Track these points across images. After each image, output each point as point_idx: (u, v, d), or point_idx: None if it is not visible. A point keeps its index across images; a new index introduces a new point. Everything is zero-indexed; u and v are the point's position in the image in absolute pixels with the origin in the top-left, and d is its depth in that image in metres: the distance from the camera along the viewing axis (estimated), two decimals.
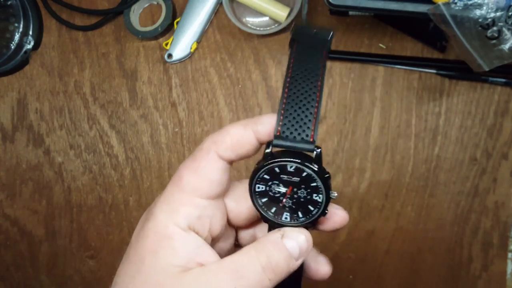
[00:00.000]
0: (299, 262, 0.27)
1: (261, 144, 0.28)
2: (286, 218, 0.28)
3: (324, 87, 0.61)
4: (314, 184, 0.27)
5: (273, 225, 0.29)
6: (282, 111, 0.26)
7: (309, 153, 0.27)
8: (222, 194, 0.29)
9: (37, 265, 0.70)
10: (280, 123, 0.26)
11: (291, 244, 0.27)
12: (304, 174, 0.27)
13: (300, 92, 0.27)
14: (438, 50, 0.57)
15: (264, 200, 0.28)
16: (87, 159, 0.66)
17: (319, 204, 0.27)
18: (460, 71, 0.56)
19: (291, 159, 0.26)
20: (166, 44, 0.62)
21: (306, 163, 0.26)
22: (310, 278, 0.31)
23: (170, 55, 0.62)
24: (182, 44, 0.61)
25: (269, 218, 0.28)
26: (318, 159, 0.27)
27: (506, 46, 0.43)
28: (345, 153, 0.60)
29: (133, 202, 0.66)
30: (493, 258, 0.59)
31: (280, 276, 0.26)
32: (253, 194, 0.28)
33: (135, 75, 0.64)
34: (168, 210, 0.27)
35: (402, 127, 0.58)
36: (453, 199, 0.58)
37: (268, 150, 0.27)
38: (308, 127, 0.26)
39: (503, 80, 0.55)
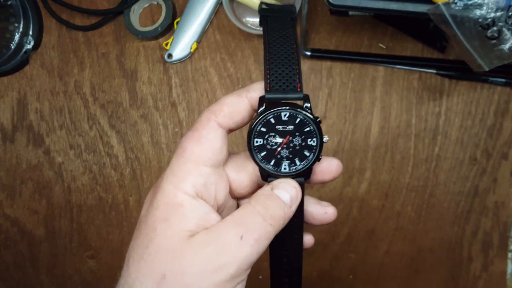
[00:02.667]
0: (293, 208, 0.30)
1: (254, 110, 0.30)
2: (285, 168, 0.30)
3: (324, 86, 0.61)
4: (308, 128, 0.29)
5: (273, 177, 0.31)
6: (268, 70, 0.29)
7: (299, 102, 0.29)
8: (223, 162, 0.31)
9: (37, 265, 0.70)
10: (268, 80, 0.29)
11: (282, 193, 0.29)
12: (298, 120, 0.29)
13: (281, 54, 0.29)
14: (438, 50, 0.57)
15: (263, 153, 0.30)
16: (87, 159, 0.66)
17: (314, 148, 0.30)
18: (460, 71, 0.56)
19: (285, 107, 0.29)
20: (166, 44, 0.62)
21: (299, 109, 0.29)
22: (321, 222, 0.33)
23: (170, 55, 0.62)
24: (182, 44, 0.61)
25: (269, 170, 0.30)
26: (307, 106, 0.29)
27: (506, 46, 0.43)
28: (345, 153, 0.60)
29: (133, 202, 0.66)
30: (493, 258, 0.59)
31: (279, 222, 0.29)
32: (252, 149, 0.30)
33: (135, 75, 0.64)
34: (175, 180, 0.29)
35: (402, 127, 0.58)
36: (453, 199, 0.58)
37: (262, 108, 0.29)
38: (294, 80, 0.29)
39: (503, 80, 0.55)
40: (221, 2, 0.60)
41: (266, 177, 0.31)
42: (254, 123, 0.29)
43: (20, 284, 0.71)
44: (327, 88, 0.60)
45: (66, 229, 0.68)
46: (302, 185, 0.31)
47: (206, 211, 0.29)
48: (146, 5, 0.64)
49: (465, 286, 0.60)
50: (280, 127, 0.29)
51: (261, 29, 0.59)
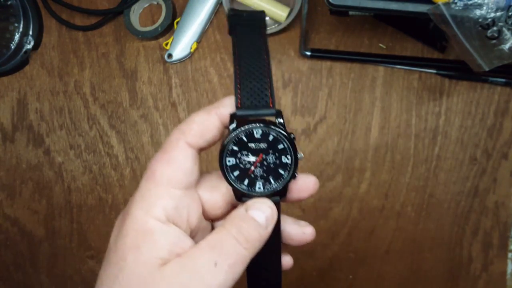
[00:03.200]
0: (269, 229, 0.28)
1: (225, 127, 0.29)
2: (259, 188, 0.29)
3: (324, 86, 0.61)
4: (282, 146, 0.28)
5: (247, 198, 0.30)
6: (239, 85, 0.28)
7: (271, 118, 0.28)
8: (194, 184, 0.30)
9: (37, 265, 0.70)
10: (239, 95, 0.28)
11: (257, 214, 0.28)
12: (271, 137, 0.28)
13: (251, 67, 0.28)
14: (438, 50, 0.57)
15: (235, 173, 0.29)
16: (87, 159, 0.66)
17: (289, 166, 0.29)
18: (460, 71, 0.56)
19: (257, 124, 0.27)
20: (166, 44, 0.62)
21: (272, 126, 0.28)
22: (299, 242, 0.32)
23: (170, 55, 0.62)
24: (182, 44, 0.61)
25: (243, 191, 0.29)
26: (281, 123, 0.28)
27: (506, 46, 0.43)
28: (345, 153, 0.60)
29: None
30: (493, 258, 0.59)
31: (255, 245, 0.27)
32: (225, 169, 0.29)
33: (135, 75, 0.64)
34: (145, 205, 0.27)
35: (402, 127, 0.58)
36: (453, 199, 0.58)
37: (233, 125, 0.28)
38: (266, 95, 0.28)
39: (503, 80, 0.55)
40: (221, 2, 0.60)
41: (240, 197, 0.29)
42: (226, 142, 0.28)
43: (20, 284, 0.71)
44: (327, 88, 0.60)
45: (66, 229, 0.68)
46: (278, 204, 0.29)
47: (178, 236, 0.27)
48: (146, 5, 0.64)
49: (465, 286, 0.60)
50: (252, 145, 0.28)
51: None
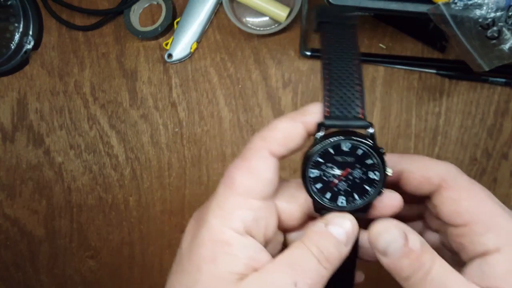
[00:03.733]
0: (349, 246, 0.27)
1: (309, 135, 0.27)
2: (342, 202, 0.27)
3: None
4: (370, 161, 0.26)
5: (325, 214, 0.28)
6: (328, 92, 0.26)
7: (361, 130, 0.26)
8: (273, 194, 0.28)
9: (37, 265, 0.70)
10: (327, 103, 0.26)
11: (337, 230, 0.26)
12: (360, 152, 0.26)
13: (341, 72, 0.26)
14: (438, 50, 0.57)
15: (318, 186, 0.27)
16: (87, 159, 0.66)
17: (376, 182, 0.27)
18: (460, 71, 0.56)
19: (347, 137, 0.26)
20: (166, 44, 0.62)
21: (362, 139, 0.26)
22: (376, 259, 0.29)
23: (170, 55, 0.62)
24: (182, 44, 0.61)
25: (325, 204, 0.27)
26: (372, 135, 0.26)
27: (506, 46, 0.43)
28: None
29: (133, 202, 0.66)
30: None
31: (335, 263, 0.26)
32: (307, 180, 0.27)
33: (135, 75, 0.64)
34: (223, 214, 0.26)
35: (402, 127, 0.58)
36: None
37: (320, 133, 0.26)
38: (357, 105, 0.26)
39: (503, 80, 0.55)
40: (221, 2, 0.60)
41: (320, 209, 0.28)
42: (311, 153, 0.26)
43: (20, 284, 0.71)
44: None
45: (66, 229, 0.68)
46: (359, 220, 0.28)
47: (255, 249, 0.26)
48: (146, 5, 0.64)
49: None
50: (339, 158, 0.26)
51: (261, 29, 0.60)
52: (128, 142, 0.65)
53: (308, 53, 0.58)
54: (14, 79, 0.67)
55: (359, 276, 0.31)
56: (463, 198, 0.27)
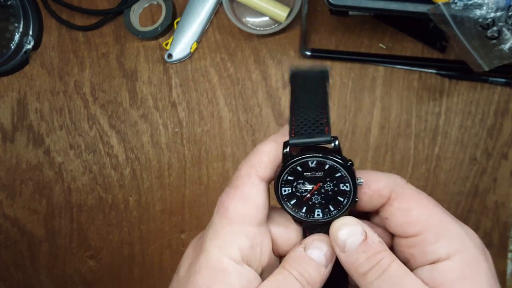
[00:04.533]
0: (329, 268, 0.28)
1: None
2: (318, 214, 0.28)
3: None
4: (339, 174, 0.27)
5: (308, 226, 0.29)
6: (293, 116, 0.27)
7: (327, 145, 0.27)
8: (265, 219, 0.29)
9: (37, 265, 0.70)
10: (294, 125, 0.27)
11: (315, 253, 0.27)
12: (327, 166, 0.27)
13: (308, 101, 0.28)
14: (438, 50, 0.57)
15: (292, 202, 0.28)
16: (87, 159, 0.66)
17: (348, 193, 0.27)
18: (460, 71, 0.56)
19: (311, 154, 0.26)
20: (166, 44, 0.62)
21: (327, 155, 0.27)
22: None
23: (170, 55, 0.62)
24: (182, 44, 0.61)
25: (302, 218, 0.28)
26: (337, 149, 0.27)
27: (506, 46, 0.43)
28: (345, 153, 0.59)
29: (133, 202, 0.66)
30: (493, 258, 0.59)
31: (316, 286, 0.27)
32: (281, 198, 0.28)
33: (135, 75, 0.64)
34: (220, 243, 0.27)
35: (402, 127, 0.58)
36: (453, 199, 0.58)
37: (286, 150, 0.27)
38: (321, 123, 0.27)
39: (503, 80, 0.55)
40: (221, 2, 0.60)
41: (300, 223, 0.29)
42: (280, 172, 0.27)
43: (20, 284, 0.71)
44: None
45: (66, 229, 0.68)
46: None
47: (250, 279, 0.27)
48: (146, 5, 0.64)
49: None
50: (308, 174, 0.27)
51: (261, 29, 0.60)
52: (128, 142, 0.65)
53: (308, 53, 0.58)
54: (14, 79, 0.67)
55: None
56: (413, 208, 0.27)
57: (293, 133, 0.27)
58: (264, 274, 0.29)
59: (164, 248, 0.66)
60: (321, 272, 0.27)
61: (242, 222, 0.27)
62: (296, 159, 0.27)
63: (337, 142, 0.27)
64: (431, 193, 0.58)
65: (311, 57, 0.59)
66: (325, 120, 0.27)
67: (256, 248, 0.28)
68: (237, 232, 0.27)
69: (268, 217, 0.29)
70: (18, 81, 0.67)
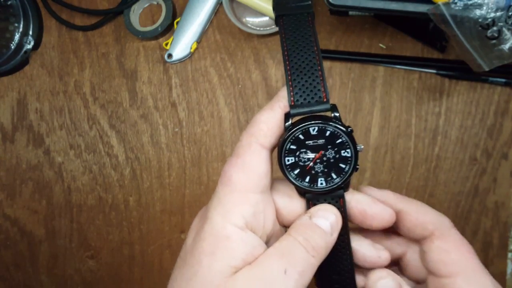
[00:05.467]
0: (335, 236, 0.28)
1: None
2: (321, 183, 0.29)
3: None
4: (340, 140, 0.28)
5: (311, 198, 0.30)
6: (290, 82, 0.27)
7: (326, 113, 0.28)
8: (269, 186, 0.29)
9: (37, 265, 0.70)
10: (292, 93, 0.27)
11: (321, 221, 0.28)
12: (328, 133, 0.28)
13: (301, 61, 0.28)
14: (438, 50, 0.57)
15: (296, 171, 0.29)
16: (87, 159, 0.66)
17: (349, 159, 0.28)
18: (460, 71, 0.56)
19: (313, 121, 0.27)
20: (166, 44, 0.62)
21: (328, 122, 0.27)
22: (373, 265, 0.31)
23: (170, 55, 0.62)
24: (182, 44, 0.61)
25: (305, 188, 0.29)
26: (336, 116, 0.28)
27: (506, 46, 0.43)
28: None
29: (133, 202, 0.66)
30: (493, 258, 0.59)
31: (322, 252, 0.28)
32: (284, 168, 0.28)
33: (135, 75, 0.64)
34: (224, 211, 0.27)
35: (402, 127, 0.58)
36: (453, 199, 0.58)
37: (288, 123, 0.28)
38: (319, 89, 0.27)
39: (503, 80, 0.55)
40: (221, 2, 0.60)
41: (304, 193, 0.29)
42: (282, 142, 0.28)
43: (20, 284, 0.71)
44: None
45: (66, 229, 0.68)
46: (342, 197, 0.29)
47: (254, 245, 0.27)
48: (146, 5, 0.64)
49: None
50: (310, 142, 0.28)
51: (261, 29, 0.60)
52: (128, 142, 0.65)
53: None
54: (14, 79, 0.67)
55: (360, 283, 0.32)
56: (453, 251, 0.29)
57: (292, 101, 0.27)
58: (270, 242, 0.29)
59: (164, 248, 0.66)
60: (327, 239, 0.28)
61: (244, 190, 0.28)
62: (298, 126, 0.27)
63: (336, 112, 0.28)
64: (431, 193, 0.59)
65: None
66: (322, 85, 0.27)
67: (259, 215, 0.28)
68: (240, 199, 0.28)
69: (272, 188, 0.30)
70: (18, 81, 0.67)
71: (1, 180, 0.69)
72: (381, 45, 0.58)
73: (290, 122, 0.28)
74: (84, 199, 0.67)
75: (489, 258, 0.59)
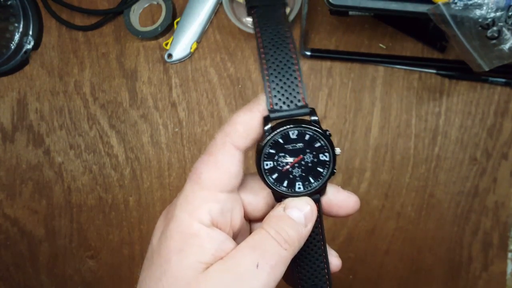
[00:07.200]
0: (309, 227, 0.28)
1: None
2: (299, 188, 0.29)
3: (324, 86, 0.61)
4: (318, 144, 0.28)
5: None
6: (268, 83, 0.27)
7: (305, 117, 0.28)
8: (238, 186, 0.29)
9: (37, 265, 0.70)
10: (270, 96, 0.27)
11: (294, 212, 0.28)
12: (307, 137, 0.27)
13: (279, 60, 0.27)
14: (438, 50, 0.57)
15: (274, 176, 0.28)
16: (87, 159, 0.66)
17: (327, 163, 0.28)
18: (460, 71, 0.56)
19: (292, 125, 0.27)
20: (166, 44, 0.62)
21: (307, 125, 0.27)
22: (346, 210, 0.31)
23: (170, 55, 0.62)
24: (182, 44, 0.61)
25: (283, 192, 0.29)
26: (315, 120, 0.28)
27: (506, 46, 0.43)
28: (345, 153, 0.60)
29: (133, 202, 0.66)
30: (493, 258, 0.59)
31: (295, 244, 0.27)
32: (263, 172, 0.28)
33: (135, 75, 0.64)
34: (190, 208, 0.27)
35: (402, 127, 0.58)
36: (453, 199, 0.58)
37: (267, 126, 0.27)
38: (298, 92, 0.27)
39: (503, 80, 0.55)
40: (221, 2, 0.60)
41: (280, 198, 0.29)
42: (262, 146, 0.27)
43: (20, 284, 0.71)
44: (327, 88, 0.60)
45: (66, 229, 0.68)
46: (318, 202, 0.29)
47: (222, 240, 0.27)
48: (146, 5, 0.64)
49: (465, 286, 0.60)
50: (289, 146, 0.28)
51: None
52: (128, 142, 0.65)
53: (308, 53, 0.58)
54: (14, 79, 0.67)
55: (335, 262, 0.32)
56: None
57: (271, 105, 0.27)
58: (238, 239, 0.29)
59: None
60: (300, 231, 0.28)
61: (213, 188, 0.28)
62: (278, 130, 0.27)
63: (315, 116, 0.27)
64: (431, 193, 0.59)
65: (311, 57, 0.59)
66: (300, 88, 0.27)
67: (226, 213, 0.28)
68: (208, 197, 0.27)
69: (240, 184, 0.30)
70: (18, 81, 0.67)
71: (1, 180, 0.69)
72: (381, 45, 0.58)
73: (269, 126, 0.27)
74: (84, 199, 0.67)
75: (489, 258, 0.59)
